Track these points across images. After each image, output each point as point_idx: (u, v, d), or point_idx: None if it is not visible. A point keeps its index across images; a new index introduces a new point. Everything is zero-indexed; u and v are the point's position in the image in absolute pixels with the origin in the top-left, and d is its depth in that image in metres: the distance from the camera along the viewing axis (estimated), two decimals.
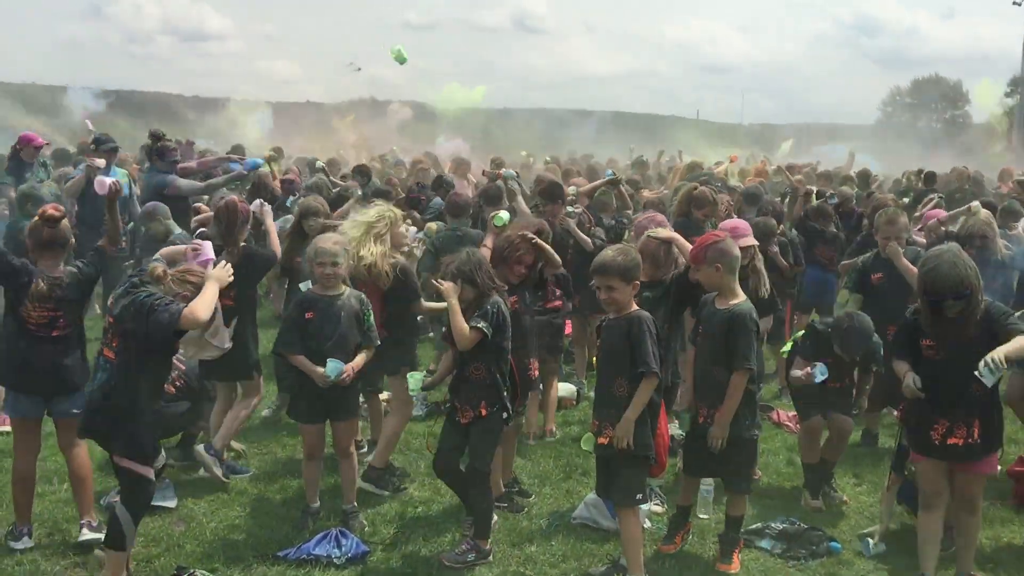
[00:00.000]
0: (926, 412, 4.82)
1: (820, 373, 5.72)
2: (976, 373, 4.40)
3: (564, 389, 8.24)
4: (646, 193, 11.85)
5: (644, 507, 5.61)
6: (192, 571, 4.90)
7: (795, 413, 7.73)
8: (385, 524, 5.68)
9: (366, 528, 5.59)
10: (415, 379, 5.56)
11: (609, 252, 5.04)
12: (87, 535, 5.28)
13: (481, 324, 5.10)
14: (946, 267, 4.62)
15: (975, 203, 8.40)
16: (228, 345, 5.19)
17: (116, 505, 4.72)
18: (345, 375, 5.36)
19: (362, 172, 12.20)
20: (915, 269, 6.77)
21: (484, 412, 5.21)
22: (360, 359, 5.50)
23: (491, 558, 5.24)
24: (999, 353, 4.39)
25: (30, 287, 5.17)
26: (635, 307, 4.97)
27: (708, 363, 5.16)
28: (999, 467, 5.12)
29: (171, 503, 5.80)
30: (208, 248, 5.28)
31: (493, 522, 5.44)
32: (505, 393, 5.28)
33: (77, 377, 5.34)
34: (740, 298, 5.18)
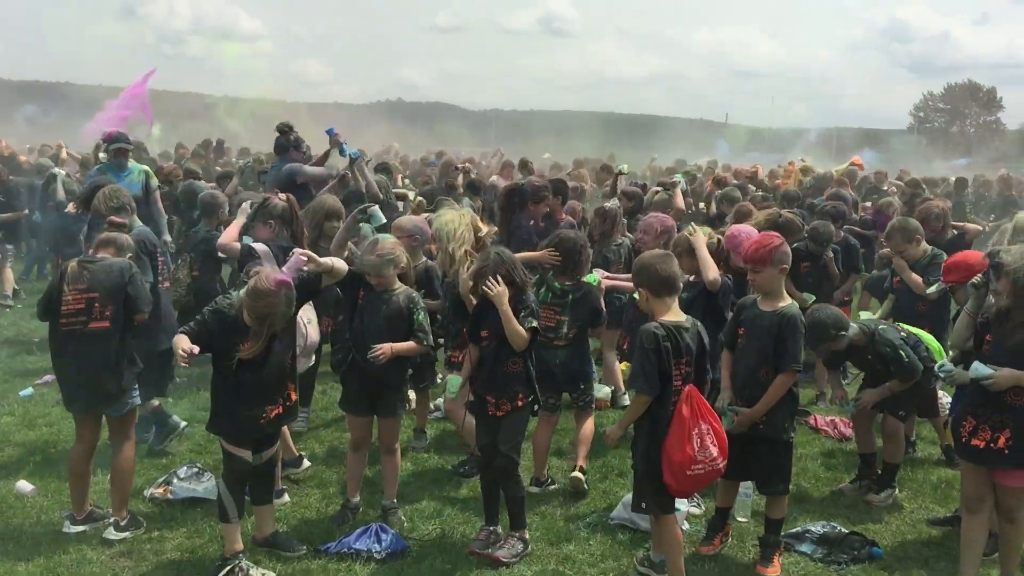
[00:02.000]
0: (963, 408, 4.84)
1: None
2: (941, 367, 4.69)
3: (599, 391, 8.23)
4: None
5: (682, 509, 5.62)
6: (236, 562, 4.95)
7: (832, 418, 7.76)
8: (424, 520, 5.71)
9: (405, 524, 5.62)
10: (454, 382, 5.55)
11: None
12: (112, 535, 5.36)
13: (534, 323, 5.21)
14: (999, 249, 4.70)
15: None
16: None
17: (219, 481, 5.14)
18: (380, 352, 5.32)
19: (386, 169, 12.41)
20: (920, 280, 6.88)
21: (521, 403, 5.28)
22: (403, 345, 5.45)
23: (529, 548, 5.30)
24: (1008, 375, 4.48)
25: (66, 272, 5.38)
26: (659, 317, 4.83)
27: (754, 365, 5.14)
28: None
29: (212, 495, 5.85)
30: (295, 260, 5.12)
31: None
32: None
33: (119, 382, 5.40)
34: (788, 300, 5.18)
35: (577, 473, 6.20)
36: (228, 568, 4.90)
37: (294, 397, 5.15)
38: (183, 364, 4.64)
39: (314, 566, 5.10)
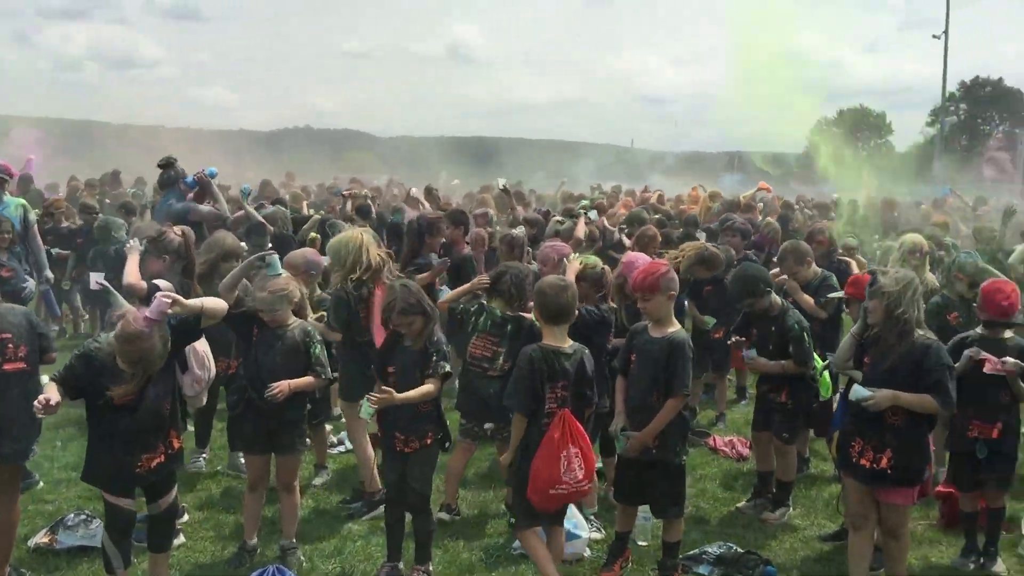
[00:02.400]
0: (850, 429, 5.00)
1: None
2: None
3: None
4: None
5: (583, 535, 5.66)
6: None
7: (730, 439, 7.93)
8: (324, 559, 5.61)
9: (304, 564, 5.51)
10: (366, 408, 5.42)
11: None
12: None
13: (448, 367, 5.24)
14: (879, 270, 4.95)
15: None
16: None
17: (103, 530, 4.90)
18: (278, 391, 5.25)
19: (280, 202, 12.40)
20: (812, 301, 7.20)
21: (430, 441, 5.26)
22: (301, 381, 5.38)
23: None
24: (886, 395, 4.65)
25: None
26: (544, 340, 5.02)
27: (645, 390, 5.23)
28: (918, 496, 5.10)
29: (97, 543, 5.64)
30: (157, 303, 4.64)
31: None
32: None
33: (38, 423, 5.19)
34: (676, 326, 5.29)
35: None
36: None
37: (177, 444, 4.90)
38: (39, 415, 4.36)
39: None
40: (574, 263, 6.12)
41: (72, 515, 5.83)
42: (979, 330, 5.66)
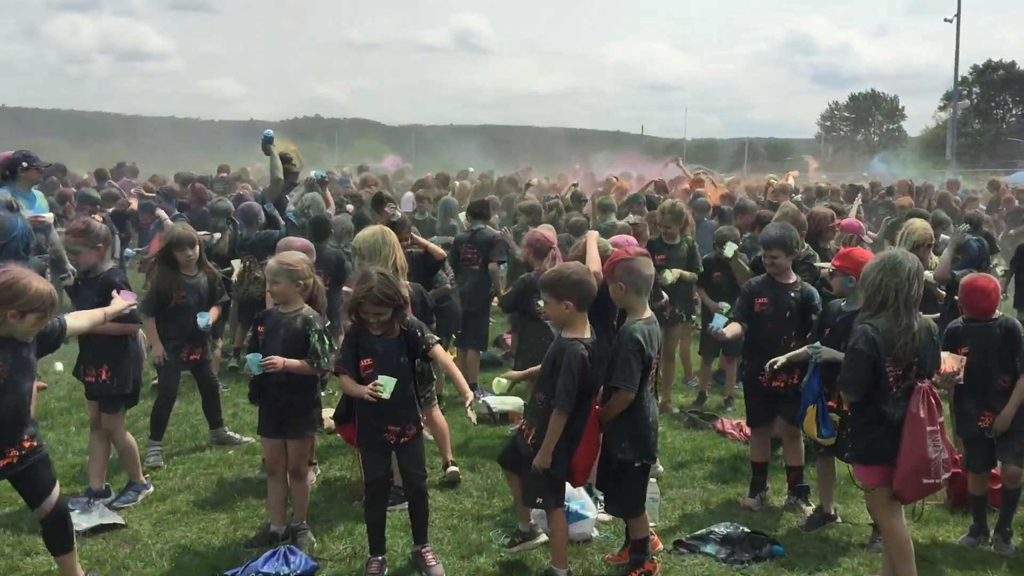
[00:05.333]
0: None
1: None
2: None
3: (512, 403, 8.27)
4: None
5: (590, 515, 5.70)
6: None
7: (739, 421, 7.93)
8: (334, 540, 5.66)
9: (315, 545, 5.57)
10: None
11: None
12: None
13: (437, 338, 5.36)
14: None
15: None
16: None
17: None
18: (268, 362, 5.32)
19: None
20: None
21: (422, 424, 5.36)
22: (296, 362, 5.43)
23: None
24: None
25: None
26: (575, 332, 4.99)
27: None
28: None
29: (110, 519, 5.78)
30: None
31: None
32: None
33: None
34: (645, 314, 5.14)
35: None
36: None
37: (28, 446, 4.55)
38: None
39: None
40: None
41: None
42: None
